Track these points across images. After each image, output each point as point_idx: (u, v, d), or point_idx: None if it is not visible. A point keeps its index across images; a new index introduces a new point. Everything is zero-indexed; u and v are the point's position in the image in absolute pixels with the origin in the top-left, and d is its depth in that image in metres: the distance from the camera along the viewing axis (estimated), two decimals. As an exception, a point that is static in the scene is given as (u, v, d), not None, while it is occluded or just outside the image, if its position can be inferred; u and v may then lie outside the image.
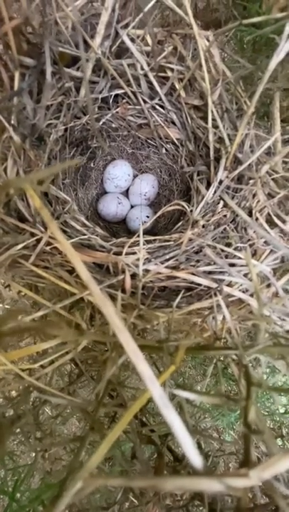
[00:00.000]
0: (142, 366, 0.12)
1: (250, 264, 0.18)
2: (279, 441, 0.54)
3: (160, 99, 0.40)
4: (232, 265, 0.31)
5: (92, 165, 0.50)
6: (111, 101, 0.42)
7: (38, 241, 0.31)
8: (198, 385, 0.61)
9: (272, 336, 0.21)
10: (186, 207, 0.34)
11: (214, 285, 0.30)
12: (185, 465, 0.35)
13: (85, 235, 0.34)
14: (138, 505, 0.39)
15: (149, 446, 0.36)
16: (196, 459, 0.12)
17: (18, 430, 0.31)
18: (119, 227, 0.53)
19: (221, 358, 0.34)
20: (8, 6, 0.29)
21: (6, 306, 0.43)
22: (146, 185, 0.51)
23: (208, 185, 0.36)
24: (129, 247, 0.32)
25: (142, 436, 0.34)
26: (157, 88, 0.39)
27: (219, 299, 0.22)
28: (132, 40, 0.36)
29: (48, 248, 0.31)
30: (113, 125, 0.45)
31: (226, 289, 0.30)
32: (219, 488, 0.12)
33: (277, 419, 0.62)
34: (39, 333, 0.28)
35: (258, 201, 0.32)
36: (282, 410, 0.65)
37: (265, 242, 0.32)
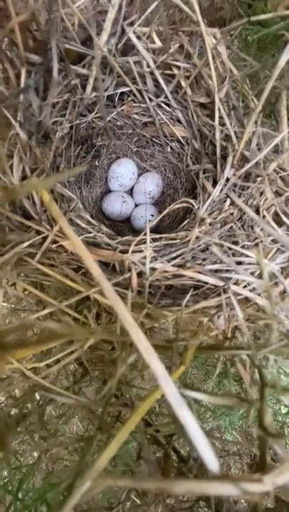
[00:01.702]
0: (156, 364, 0.12)
1: (262, 262, 0.17)
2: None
3: (166, 97, 0.40)
4: (239, 263, 0.31)
5: (96, 163, 0.50)
6: (116, 99, 0.41)
7: (44, 239, 0.31)
8: (202, 384, 0.61)
9: (283, 335, 0.21)
10: (194, 204, 0.33)
11: (221, 283, 0.30)
12: (190, 466, 0.35)
13: (90, 233, 0.34)
14: (140, 505, 0.39)
15: (152, 446, 0.36)
16: (212, 461, 0.12)
17: (22, 429, 0.31)
18: (123, 226, 0.53)
19: (226, 358, 0.33)
20: (15, 2, 0.29)
21: (11, 305, 0.42)
22: (151, 184, 0.51)
23: (215, 183, 0.36)
24: (136, 245, 0.32)
25: (147, 436, 0.33)
26: (163, 86, 0.39)
27: (231, 296, 0.22)
28: (138, 37, 0.36)
29: (53, 246, 0.31)
30: (118, 123, 0.45)
31: (233, 288, 0.30)
32: (233, 493, 0.12)
33: (280, 419, 0.62)
34: (45, 334, 0.28)
35: (266, 199, 0.32)
36: (284, 410, 0.65)
37: (273, 240, 0.31)
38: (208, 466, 0.12)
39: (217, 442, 0.59)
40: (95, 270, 0.12)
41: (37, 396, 0.34)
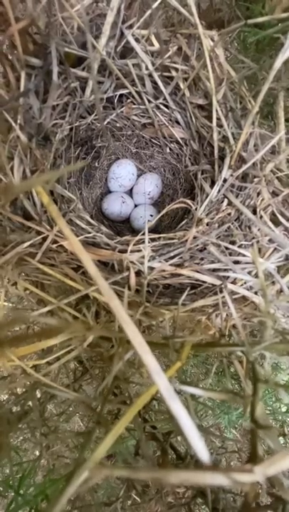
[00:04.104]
0: (149, 358, 0.12)
1: (257, 260, 0.18)
2: (281, 440, 0.54)
3: (164, 99, 0.41)
4: (236, 263, 0.31)
5: (96, 164, 0.50)
6: (116, 101, 0.42)
7: (44, 239, 0.32)
8: (201, 383, 0.61)
9: (278, 332, 0.21)
10: (192, 204, 0.34)
11: (218, 282, 0.31)
12: (187, 463, 0.35)
13: (90, 233, 0.34)
14: (140, 503, 0.39)
15: (151, 445, 0.37)
16: (202, 451, 0.12)
17: (24, 426, 0.32)
18: (123, 226, 0.53)
19: (223, 355, 0.34)
20: (14, 6, 0.30)
21: (11, 305, 0.43)
22: (150, 185, 0.51)
23: (213, 183, 0.36)
24: (134, 244, 0.32)
25: (145, 434, 0.34)
26: (162, 88, 0.39)
27: (225, 294, 0.23)
28: (137, 40, 0.37)
29: (53, 246, 0.32)
30: (118, 124, 0.46)
31: (230, 286, 0.30)
32: (224, 483, 0.12)
33: (280, 417, 0.62)
34: (46, 331, 0.29)
35: (263, 199, 0.32)
36: (284, 409, 0.65)
37: (270, 240, 0.32)
38: (200, 456, 0.12)
39: (217, 441, 0.59)
40: (91, 267, 0.12)
41: (38, 394, 0.34)
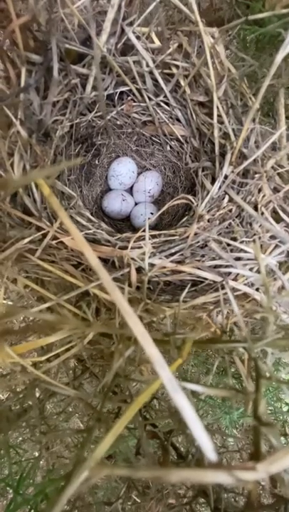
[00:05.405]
0: (152, 349, 0.12)
1: (259, 256, 0.18)
2: (282, 440, 0.54)
3: (165, 96, 0.41)
4: (237, 259, 0.31)
5: (96, 162, 0.50)
6: (116, 98, 0.42)
7: (44, 235, 0.32)
8: (202, 382, 0.61)
9: (280, 328, 0.21)
10: (193, 200, 0.34)
11: (219, 279, 0.30)
12: (189, 462, 0.35)
13: (90, 229, 0.34)
14: (141, 502, 0.39)
15: (152, 445, 0.36)
16: (206, 443, 0.12)
17: (23, 425, 0.31)
18: (123, 224, 0.53)
19: (225, 352, 0.33)
20: (15, 2, 0.29)
21: (10, 302, 0.43)
22: (151, 183, 0.51)
23: (213, 180, 0.36)
24: (135, 241, 0.32)
25: (146, 432, 0.33)
26: (162, 85, 0.39)
27: (228, 291, 0.22)
28: (138, 37, 0.37)
29: (53, 242, 0.32)
30: (118, 122, 0.46)
31: (232, 283, 0.30)
32: (227, 481, 0.12)
33: (281, 417, 0.62)
34: (45, 328, 0.29)
35: (264, 196, 0.32)
36: (285, 408, 0.65)
37: (271, 236, 0.32)
38: (203, 449, 0.12)
39: (217, 441, 0.59)
40: (93, 260, 0.12)
41: (37, 393, 0.34)
